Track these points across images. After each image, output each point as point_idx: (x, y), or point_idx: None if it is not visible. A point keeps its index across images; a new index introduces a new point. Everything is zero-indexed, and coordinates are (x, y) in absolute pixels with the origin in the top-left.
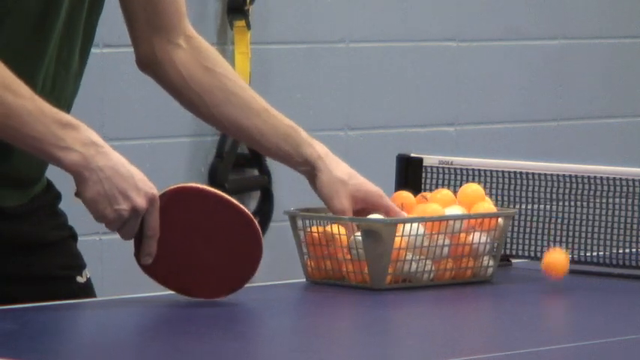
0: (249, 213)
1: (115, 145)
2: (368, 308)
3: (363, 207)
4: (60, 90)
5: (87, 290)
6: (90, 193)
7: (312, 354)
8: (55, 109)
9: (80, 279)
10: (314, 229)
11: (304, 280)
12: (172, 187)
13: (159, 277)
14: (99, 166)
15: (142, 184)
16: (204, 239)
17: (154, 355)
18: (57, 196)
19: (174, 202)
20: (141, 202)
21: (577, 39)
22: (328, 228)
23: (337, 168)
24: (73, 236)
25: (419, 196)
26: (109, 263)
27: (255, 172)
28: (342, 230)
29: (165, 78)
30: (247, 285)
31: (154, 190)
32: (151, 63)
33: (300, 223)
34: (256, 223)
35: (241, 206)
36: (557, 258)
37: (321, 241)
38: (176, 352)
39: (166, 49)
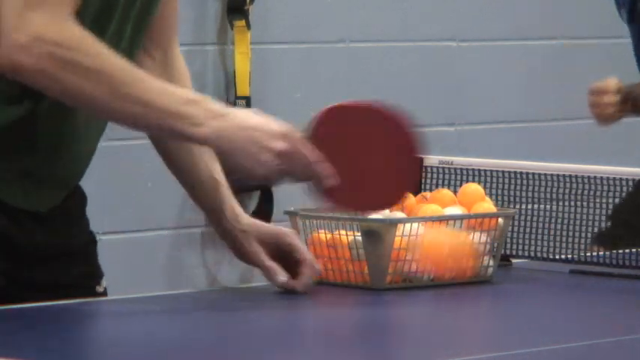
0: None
1: (115, 145)
2: (368, 308)
3: (272, 248)
4: None
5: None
6: (236, 162)
7: (312, 354)
8: (172, 87)
9: (99, 288)
10: (318, 233)
11: None
12: (322, 110)
13: (342, 202)
14: (228, 133)
15: (274, 127)
16: (363, 151)
17: (153, 355)
18: (84, 198)
19: (327, 122)
20: (280, 144)
21: (577, 39)
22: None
23: (242, 221)
24: (94, 241)
25: (419, 196)
26: (109, 263)
27: None
28: (343, 231)
29: None
30: (246, 285)
31: (283, 127)
32: None
33: (300, 222)
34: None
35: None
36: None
37: (322, 241)
38: (174, 351)
39: (141, 57)
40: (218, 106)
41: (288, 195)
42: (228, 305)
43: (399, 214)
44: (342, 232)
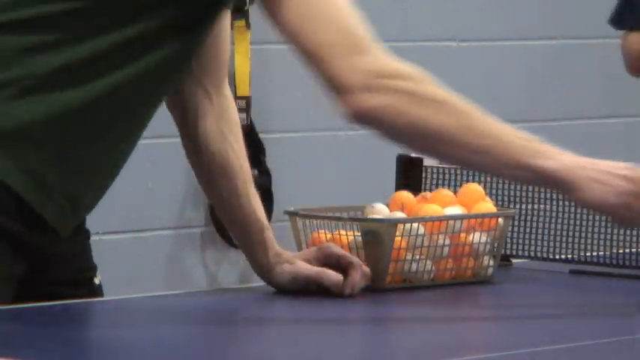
0: None
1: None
2: (368, 308)
3: (322, 262)
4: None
5: (100, 292)
6: (580, 195)
7: (312, 354)
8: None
9: (96, 280)
10: (318, 233)
11: None
12: None
13: None
14: (577, 167)
15: (612, 162)
16: None
17: (153, 355)
18: None
19: None
20: (629, 172)
21: (577, 39)
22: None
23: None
24: (86, 233)
25: (419, 196)
26: (109, 263)
27: (255, 172)
28: (343, 231)
29: (181, 119)
30: (247, 285)
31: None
32: (174, 99)
33: (300, 222)
34: None
35: None
36: None
37: (322, 241)
38: (173, 351)
39: (196, 91)
40: (559, 149)
41: (288, 195)
42: (228, 305)
43: (399, 214)
44: (342, 232)
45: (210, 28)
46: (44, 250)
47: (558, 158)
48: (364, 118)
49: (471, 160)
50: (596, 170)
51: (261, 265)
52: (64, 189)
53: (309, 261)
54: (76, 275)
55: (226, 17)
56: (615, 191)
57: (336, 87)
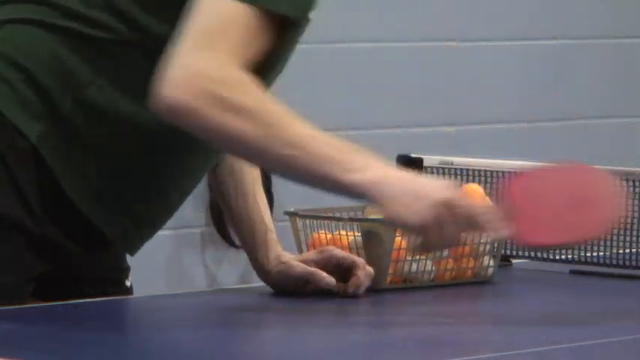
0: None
1: None
2: (368, 308)
3: (322, 263)
4: None
5: (131, 295)
6: (387, 210)
7: (312, 354)
8: (328, 134)
9: (127, 282)
10: (318, 233)
11: None
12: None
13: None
14: (384, 183)
15: (430, 181)
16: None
17: (153, 355)
18: None
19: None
20: (439, 194)
21: (577, 39)
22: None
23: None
24: None
25: None
26: None
27: None
28: (343, 232)
29: None
30: (247, 285)
31: (444, 183)
32: None
33: (300, 223)
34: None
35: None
36: None
37: (322, 241)
38: (174, 351)
39: None
40: (374, 158)
41: (288, 195)
42: (228, 305)
43: None
44: (342, 232)
45: None
46: (74, 252)
47: (365, 172)
48: (163, 111)
49: (278, 171)
50: (402, 189)
51: (261, 265)
52: (122, 204)
53: (308, 263)
54: (106, 275)
55: None
56: (416, 213)
57: (161, 75)
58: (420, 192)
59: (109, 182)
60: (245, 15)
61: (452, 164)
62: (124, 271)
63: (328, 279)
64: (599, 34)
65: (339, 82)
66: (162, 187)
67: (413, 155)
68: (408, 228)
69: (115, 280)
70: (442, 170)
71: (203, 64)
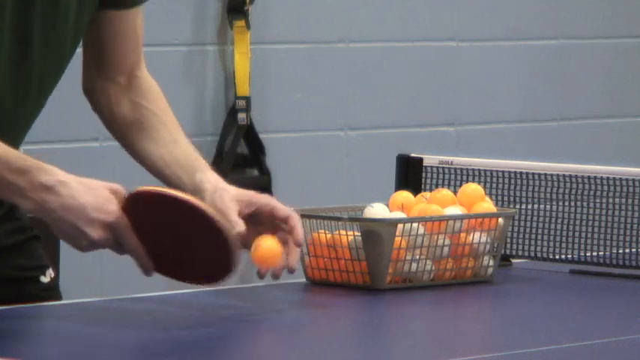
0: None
1: (115, 145)
2: (368, 308)
3: (250, 211)
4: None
5: (52, 290)
6: (57, 234)
7: (312, 354)
8: (8, 153)
9: (44, 279)
10: (318, 233)
11: (304, 280)
12: (139, 190)
13: (166, 273)
14: (50, 208)
15: (95, 214)
16: (180, 236)
17: (153, 355)
18: None
19: (137, 204)
20: (97, 234)
21: (577, 39)
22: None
23: (221, 183)
24: (34, 237)
25: (419, 196)
26: (109, 263)
27: (255, 172)
28: (343, 231)
29: (96, 107)
30: (247, 285)
31: (111, 216)
32: (88, 90)
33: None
34: (213, 219)
35: (198, 206)
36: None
37: (322, 241)
38: (173, 351)
39: (104, 84)
40: (46, 178)
41: (288, 195)
42: (228, 305)
43: (399, 214)
44: (342, 232)
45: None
46: None
47: (34, 197)
48: None
49: None
50: (69, 222)
51: (197, 182)
52: None
53: (240, 200)
54: (19, 275)
55: (127, 19)
56: (80, 246)
57: None
58: (82, 228)
59: None
60: None
61: (452, 164)
62: (39, 268)
63: (229, 229)
64: (599, 34)
65: (339, 82)
66: None
67: (413, 155)
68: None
69: (28, 278)
70: (442, 170)
71: None
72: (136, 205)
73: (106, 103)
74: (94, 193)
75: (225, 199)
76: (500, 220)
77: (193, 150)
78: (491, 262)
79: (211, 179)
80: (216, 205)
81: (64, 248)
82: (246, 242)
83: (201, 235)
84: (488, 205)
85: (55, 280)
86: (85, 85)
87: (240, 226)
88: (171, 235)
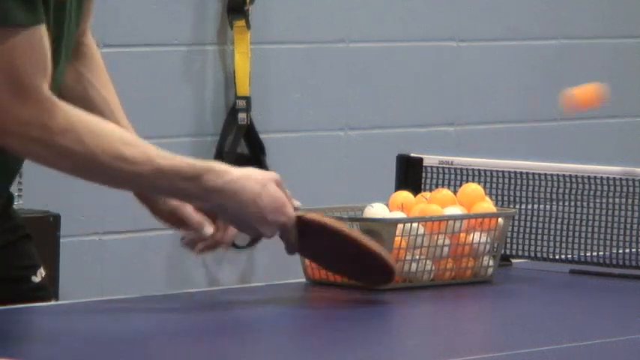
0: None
1: None
2: (368, 308)
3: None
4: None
5: (43, 289)
6: (231, 224)
7: (312, 354)
8: (176, 161)
9: (35, 278)
10: None
11: (304, 280)
12: (317, 217)
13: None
14: (228, 211)
15: (272, 217)
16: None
17: (153, 355)
18: (8, 199)
19: (311, 228)
20: (272, 233)
21: (577, 39)
22: None
23: None
24: (27, 236)
25: (418, 196)
26: (109, 263)
27: None
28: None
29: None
30: (247, 285)
31: (287, 219)
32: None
33: None
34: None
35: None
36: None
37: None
38: (175, 351)
39: None
40: (216, 182)
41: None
42: (228, 305)
43: (399, 214)
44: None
45: None
46: None
47: (211, 199)
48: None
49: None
50: (249, 215)
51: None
52: None
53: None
54: (9, 274)
55: None
56: (260, 233)
57: None
58: (253, 229)
59: None
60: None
61: (452, 164)
62: (31, 268)
63: (207, 231)
64: (599, 34)
65: (339, 82)
66: None
67: (413, 155)
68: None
69: (19, 278)
70: (442, 170)
71: (29, 114)
72: (304, 225)
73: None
74: (268, 192)
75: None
76: (500, 220)
77: (125, 121)
78: (491, 262)
79: None
80: (177, 210)
81: (64, 248)
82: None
83: (361, 261)
84: (488, 205)
85: (46, 279)
86: None
87: (209, 227)
88: (331, 256)
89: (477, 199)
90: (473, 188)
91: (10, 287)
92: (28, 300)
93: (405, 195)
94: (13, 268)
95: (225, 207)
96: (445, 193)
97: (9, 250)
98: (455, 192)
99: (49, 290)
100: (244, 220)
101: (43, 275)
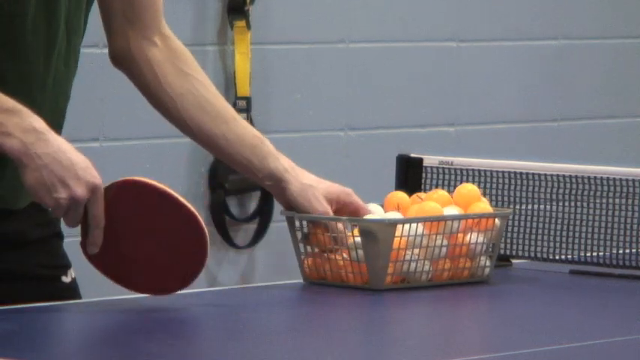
0: (191, 209)
1: (114, 145)
2: (367, 308)
3: (336, 207)
4: (60, 86)
5: (72, 290)
6: (29, 180)
7: (312, 354)
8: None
9: (65, 279)
10: (317, 230)
11: (302, 280)
12: (119, 180)
13: (102, 268)
14: (37, 154)
15: (82, 173)
16: (149, 233)
17: (150, 356)
18: None
19: (120, 194)
20: (81, 191)
21: (577, 39)
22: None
23: (304, 177)
24: (59, 234)
25: (414, 196)
26: None
27: None
28: (341, 227)
29: (139, 76)
30: (246, 285)
31: (97, 180)
32: (125, 59)
33: (297, 223)
34: (200, 221)
35: (184, 202)
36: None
37: (320, 241)
38: (174, 351)
39: (141, 45)
40: (39, 124)
41: None
42: (228, 305)
43: (397, 215)
44: (341, 229)
45: None
46: None
47: (21, 138)
48: None
49: None
50: (54, 171)
51: (273, 170)
52: None
53: (330, 199)
54: (39, 272)
55: None
56: (53, 198)
57: None
58: (66, 180)
59: None
60: None
61: (452, 164)
62: (61, 267)
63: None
64: (599, 34)
65: (339, 82)
66: None
67: (413, 155)
68: (40, 202)
69: (50, 277)
70: (442, 170)
71: None
72: (113, 194)
73: (150, 71)
74: (79, 155)
75: (321, 201)
76: (497, 220)
77: (253, 129)
78: (488, 262)
79: (289, 168)
80: (310, 206)
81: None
82: None
83: (174, 227)
84: (484, 206)
85: (75, 280)
86: (117, 56)
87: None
88: (138, 236)
89: (472, 199)
90: (469, 189)
91: (39, 286)
92: (56, 300)
93: (400, 195)
94: (42, 267)
95: (36, 151)
96: (441, 193)
97: (40, 247)
98: (452, 192)
99: (78, 292)
100: (52, 170)
101: (73, 276)
